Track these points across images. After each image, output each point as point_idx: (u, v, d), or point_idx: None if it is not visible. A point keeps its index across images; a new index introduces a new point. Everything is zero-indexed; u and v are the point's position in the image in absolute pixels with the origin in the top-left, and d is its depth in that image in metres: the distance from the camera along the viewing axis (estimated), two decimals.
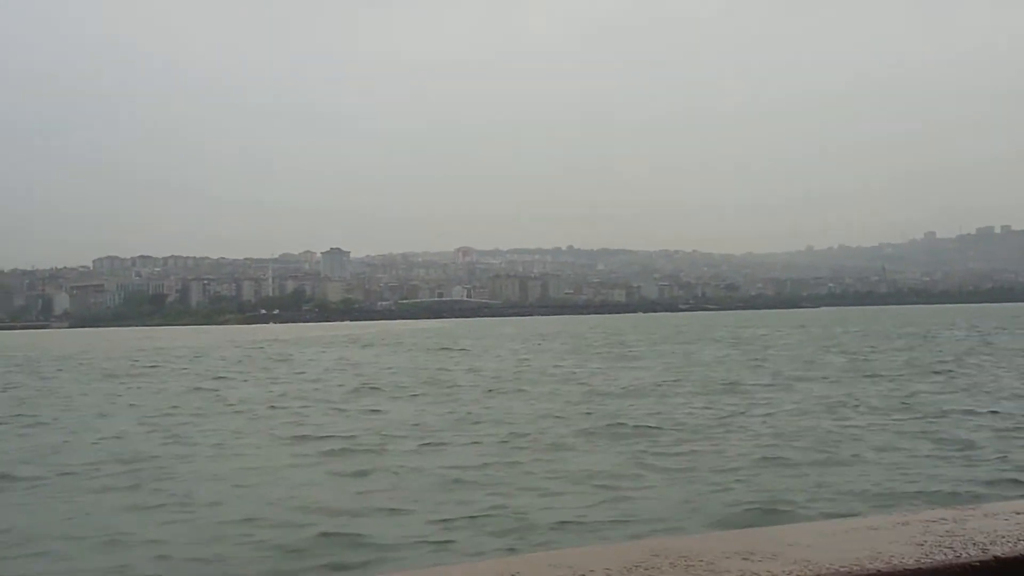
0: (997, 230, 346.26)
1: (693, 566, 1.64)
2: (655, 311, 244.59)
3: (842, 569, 1.60)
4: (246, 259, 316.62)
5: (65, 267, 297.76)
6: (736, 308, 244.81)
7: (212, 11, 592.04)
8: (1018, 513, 1.95)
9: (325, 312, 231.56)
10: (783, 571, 1.59)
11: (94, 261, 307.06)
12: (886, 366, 32.70)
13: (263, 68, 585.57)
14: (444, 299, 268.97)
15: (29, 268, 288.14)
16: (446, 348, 56.74)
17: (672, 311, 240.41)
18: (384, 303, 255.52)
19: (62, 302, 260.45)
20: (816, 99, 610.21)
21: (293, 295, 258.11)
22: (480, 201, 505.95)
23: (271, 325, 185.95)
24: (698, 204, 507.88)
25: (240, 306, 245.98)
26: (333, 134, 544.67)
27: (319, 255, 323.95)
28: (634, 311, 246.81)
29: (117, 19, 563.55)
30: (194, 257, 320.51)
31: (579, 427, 17.59)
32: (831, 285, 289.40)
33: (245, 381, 33.18)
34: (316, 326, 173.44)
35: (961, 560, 1.65)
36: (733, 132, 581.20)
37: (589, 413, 19.96)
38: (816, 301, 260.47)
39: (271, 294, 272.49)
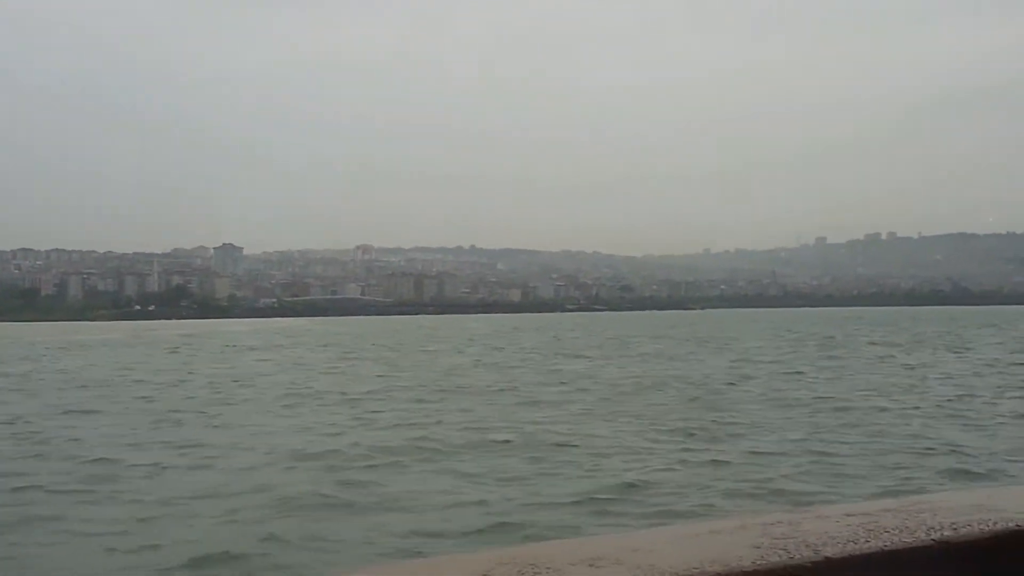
0: (884, 236, 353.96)
1: (540, 574, 1.69)
2: (545, 311, 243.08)
3: (683, 572, 1.66)
4: (135, 253, 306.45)
5: None
6: (625, 309, 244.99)
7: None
8: (848, 515, 2.07)
9: (204, 309, 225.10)
10: None
11: None
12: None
13: (168, 62, 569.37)
14: (332, 297, 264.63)
15: None
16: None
17: (559, 311, 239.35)
18: (267, 300, 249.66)
19: None
20: (721, 109, 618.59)
21: (173, 291, 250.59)
22: (384, 200, 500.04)
23: (127, 323, 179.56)
24: (600, 207, 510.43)
25: (116, 301, 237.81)
26: (238, 127, 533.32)
27: (212, 251, 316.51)
28: (525, 311, 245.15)
29: None
30: (80, 251, 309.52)
31: None
32: (723, 287, 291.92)
33: None
34: (183, 323, 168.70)
35: (795, 561, 1.76)
36: (638, 139, 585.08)
37: None
38: (706, 303, 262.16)
39: (156, 289, 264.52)
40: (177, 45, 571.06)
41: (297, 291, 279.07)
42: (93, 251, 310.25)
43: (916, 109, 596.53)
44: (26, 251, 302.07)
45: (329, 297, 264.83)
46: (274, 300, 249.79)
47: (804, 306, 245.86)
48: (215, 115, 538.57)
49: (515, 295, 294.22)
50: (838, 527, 2.02)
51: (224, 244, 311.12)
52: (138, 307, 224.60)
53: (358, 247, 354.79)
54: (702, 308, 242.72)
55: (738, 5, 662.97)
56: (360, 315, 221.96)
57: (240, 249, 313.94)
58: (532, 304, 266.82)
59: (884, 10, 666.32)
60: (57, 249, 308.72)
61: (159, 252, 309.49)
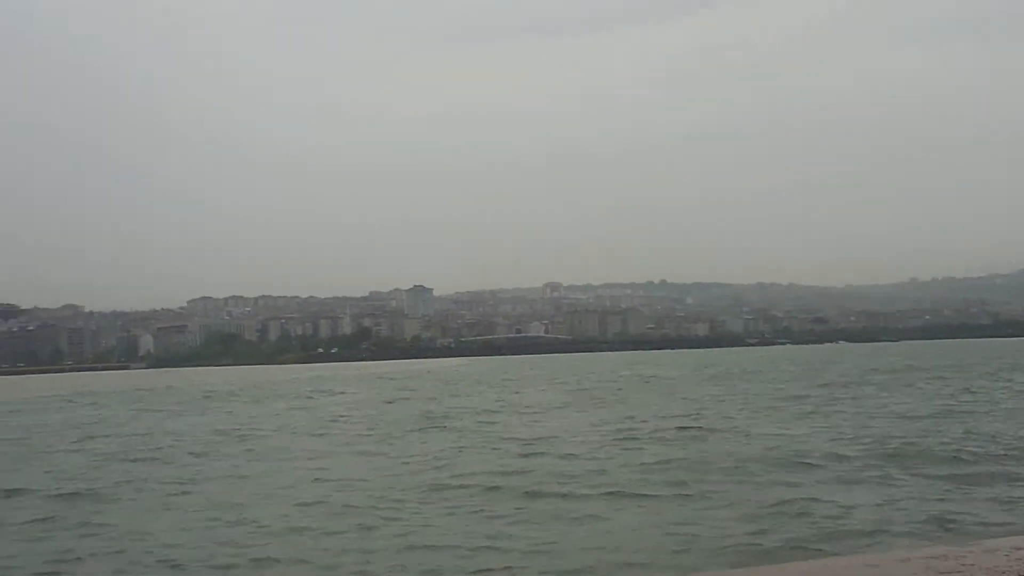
0: None
1: None
2: (726, 345, 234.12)
3: None
4: (334, 297, 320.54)
5: (163, 308, 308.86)
6: (812, 342, 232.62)
7: (321, 38, 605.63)
8: (1017, 548, 1.78)
9: (384, 351, 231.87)
10: None
11: (188, 302, 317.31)
12: None
13: (361, 104, 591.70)
14: (511, 336, 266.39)
15: (127, 310, 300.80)
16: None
17: (739, 346, 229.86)
18: (444, 341, 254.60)
19: (147, 343, 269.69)
20: (929, 132, 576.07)
21: (358, 334, 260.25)
22: (574, 237, 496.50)
23: (305, 365, 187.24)
24: (799, 235, 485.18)
25: (305, 345, 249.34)
26: (441, 172, 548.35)
27: (404, 293, 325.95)
28: (709, 346, 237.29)
29: (195, 43, 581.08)
30: (284, 296, 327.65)
31: None
32: (927, 318, 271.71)
33: None
34: (353, 365, 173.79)
35: None
36: (835, 162, 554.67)
37: None
38: (903, 335, 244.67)
39: (347, 332, 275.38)
40: (374, 81, 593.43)
41: (482, 330, 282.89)
42: (296, 296, 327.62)
43: None
44: (237, 298, 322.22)
45: (508, 336, 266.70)
46: (451, 340, 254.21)
47: (1016, 336, 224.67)
48: (425, 157, 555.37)
49: (701, 329, 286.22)
50: (1007, 561, 1.92)
51: (415, 286, 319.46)
52: (321, 350, 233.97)
53: (546, 285, 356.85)
54: (897, 340, 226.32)
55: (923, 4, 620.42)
56: (536, 353, 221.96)
57: (430, 290, 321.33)
58: (715, 339, 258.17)
59: None
60: (264, 296, 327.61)
61: (356, 296, 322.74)
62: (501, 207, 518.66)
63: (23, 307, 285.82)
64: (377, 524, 13.66)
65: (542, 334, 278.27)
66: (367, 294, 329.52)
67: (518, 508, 14.79)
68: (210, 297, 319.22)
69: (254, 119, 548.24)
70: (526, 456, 21.07)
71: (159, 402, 52.22)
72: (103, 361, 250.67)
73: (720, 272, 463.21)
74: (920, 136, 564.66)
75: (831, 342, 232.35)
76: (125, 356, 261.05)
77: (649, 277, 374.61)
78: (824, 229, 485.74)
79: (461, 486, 16.93)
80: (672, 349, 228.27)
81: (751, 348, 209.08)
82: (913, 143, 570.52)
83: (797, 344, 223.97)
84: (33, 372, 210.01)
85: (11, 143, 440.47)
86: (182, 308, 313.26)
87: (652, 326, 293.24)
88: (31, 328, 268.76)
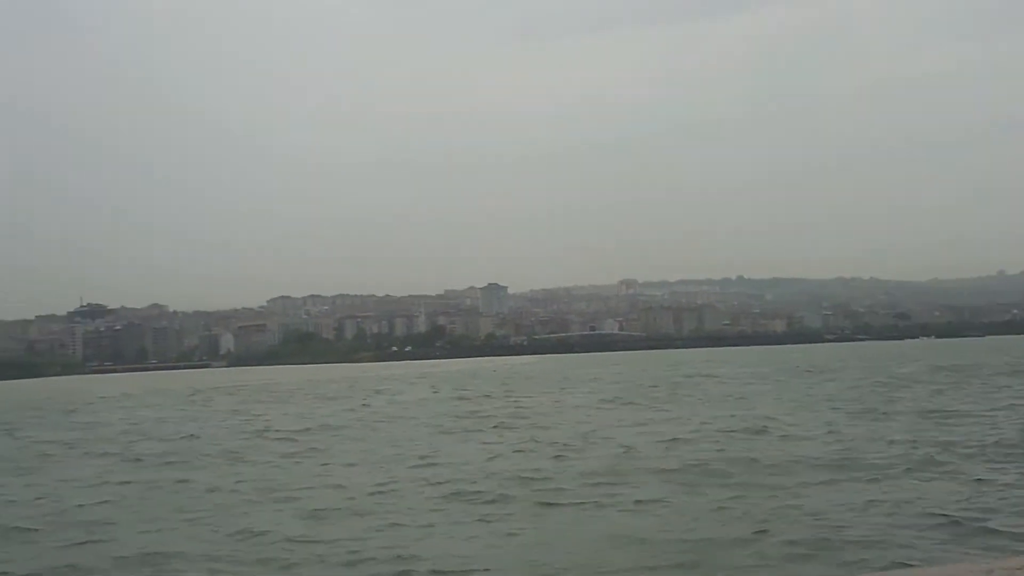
0: None
1: None
2: (804, 342, 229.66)
3: None
4: (409, 296, 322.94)
5: (244, 308, 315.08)
6: (892, 338, 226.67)
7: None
8: None
9: (457, 349, 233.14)
10: None
11: (268, 301, 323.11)
12: None
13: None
14: (584, 333, 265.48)
15: (210, 309, 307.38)
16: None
17: (818, 342, 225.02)
18: (518, 339, 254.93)
19: (227, 342, 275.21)
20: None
21: (432, 332, 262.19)
22: (650, 233, 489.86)
23: (369, 363, 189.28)
24: (881, 228, 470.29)
25: (380, 343, 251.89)
26: (516, 170, 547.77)
27: (479, 291, 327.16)
28: (786, 343, 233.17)
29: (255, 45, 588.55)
30: (361, 295, 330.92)
31: None
32: (1015, 312, 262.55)
33: None
34: (427, 363, 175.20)
35: None
36: (924, 154, 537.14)
37: None
38: (989, 330, 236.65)
39: (422, 331, 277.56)
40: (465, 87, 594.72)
41: (556, 328, 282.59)
42: (373, 295, 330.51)
43: None
44: (315, 297, 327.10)
45: (582, 333, 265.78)
46: (524, 338, 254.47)
47: None
48: (493, 160, 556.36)
49: (779, 326, 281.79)
50: None
51: (489, 284, 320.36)
52: (395, 348, 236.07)
53: (621, 282, 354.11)
54: (983, 335, 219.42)
55: None
56: (610, 350, 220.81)
57: (504, 288, 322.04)
58: (793, 335, 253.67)
59: None
60: (342, 294, 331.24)
61: (432, 294, 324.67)
62: (571, 202, 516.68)
63: (110, 307, 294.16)
64: (380, 530, 13.60)
65: (616, 331, 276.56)
66: (442, 292, 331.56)
67: (527, 515, 14.64)
68: (289, 296, 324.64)
69: (322, 127, 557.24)
70: (557, 458, 20.87)
71: (223, 402, 53.27)
72: (186, 360, 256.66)
73: (799, 267, 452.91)
74: (1008, 122, 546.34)
75: (913, 338, 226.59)
76: (207, 355, 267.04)
77: (725, 273, 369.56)
78: (908, 221, 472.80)
79: (478, 492, 16.80)
80: (748, 346, 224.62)
81: (828, 345, 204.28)
82: (998, 129, 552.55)
83: (878, 340, 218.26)
84: (119, 370, 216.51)
85: (102, 158, 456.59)
86: (262, 307, 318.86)
87: (728, 323, 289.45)
88: (118, 327, 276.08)
